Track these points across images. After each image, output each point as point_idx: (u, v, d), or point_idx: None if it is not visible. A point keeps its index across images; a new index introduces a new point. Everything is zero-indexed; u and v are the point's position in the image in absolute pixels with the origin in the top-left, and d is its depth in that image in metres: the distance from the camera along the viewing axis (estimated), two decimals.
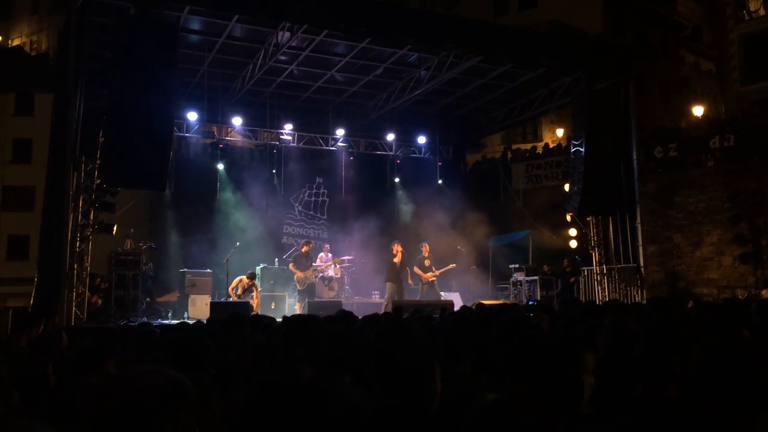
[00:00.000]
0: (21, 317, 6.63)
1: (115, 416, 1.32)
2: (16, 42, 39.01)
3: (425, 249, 15.03)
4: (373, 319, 5.78)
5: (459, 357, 3.19)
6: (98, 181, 12.12)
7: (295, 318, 3.35)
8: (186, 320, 11.88)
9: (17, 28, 40.45)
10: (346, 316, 6.33)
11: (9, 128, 26.86)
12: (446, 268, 15.21)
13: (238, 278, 13.78)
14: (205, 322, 7.97)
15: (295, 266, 14.40)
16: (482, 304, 9.15)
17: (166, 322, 12.25)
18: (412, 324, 2.52)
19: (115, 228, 12.48)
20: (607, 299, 14.27)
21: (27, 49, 36.96)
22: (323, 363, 2.84)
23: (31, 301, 10.48)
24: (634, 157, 14.79)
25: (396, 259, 14.40)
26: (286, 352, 2.87)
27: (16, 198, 26.22)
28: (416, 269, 14.88)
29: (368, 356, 2.19)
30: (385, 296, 14.47)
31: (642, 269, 14.52)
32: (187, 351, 3.58)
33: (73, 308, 10.98)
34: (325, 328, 3.09)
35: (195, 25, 13.17)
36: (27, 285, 10.42)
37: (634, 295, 14.21)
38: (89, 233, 11.97)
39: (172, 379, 1.38)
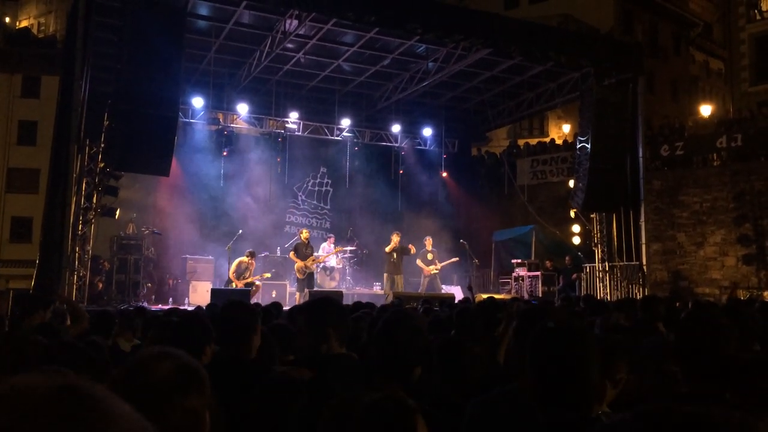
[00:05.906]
0: (23, 299, 6.63)
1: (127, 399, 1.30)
2: (24, 24, 38.88)
3: (428, 242, 14.91)
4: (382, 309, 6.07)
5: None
6: (102, 165, 12.15)
7: (320, 299, 3.38)
8: (177, 306, 11.73)
9: (25, 9, 40.33)
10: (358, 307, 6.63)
11: (15, 110, 26.78)
12: (449, 261, 15.13)
13: (237, 260, 13.62)
14: (204, 307, 7.96)
15: (296, 255, 14.21)
16: (493, 298, 9.04)
17: (166, 307, 12.22)
18: (417, 315, 2.58)
19: (118, 212, 12.49)
20: (608, 297, 14.25)
21: (34, 31, 36.84)
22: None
23: (32, 283, 10.51)
24: (640, 154, 14.70)
25: (388, 249, 14.27)
26: (315, 328, 2.86)
27: (20, 180, 26.16)
28: (419, 262, 14.79)
29: (373, 341, 2.28)
30: (384, 288, 14.40)
31: (644, 267, 14.48)
32: (185, 333, 3.57)
33: (74, 291, 11.00)
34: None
35: (203, 10, 13.12)
36: (29, 267, 10.45)
37: (636, 294, 14.16)
38: (92, 217, 11.99)
39: (185, 362, 1.36)
